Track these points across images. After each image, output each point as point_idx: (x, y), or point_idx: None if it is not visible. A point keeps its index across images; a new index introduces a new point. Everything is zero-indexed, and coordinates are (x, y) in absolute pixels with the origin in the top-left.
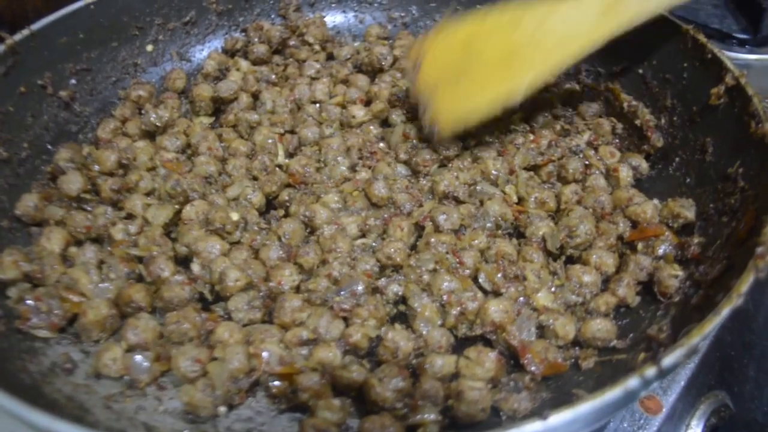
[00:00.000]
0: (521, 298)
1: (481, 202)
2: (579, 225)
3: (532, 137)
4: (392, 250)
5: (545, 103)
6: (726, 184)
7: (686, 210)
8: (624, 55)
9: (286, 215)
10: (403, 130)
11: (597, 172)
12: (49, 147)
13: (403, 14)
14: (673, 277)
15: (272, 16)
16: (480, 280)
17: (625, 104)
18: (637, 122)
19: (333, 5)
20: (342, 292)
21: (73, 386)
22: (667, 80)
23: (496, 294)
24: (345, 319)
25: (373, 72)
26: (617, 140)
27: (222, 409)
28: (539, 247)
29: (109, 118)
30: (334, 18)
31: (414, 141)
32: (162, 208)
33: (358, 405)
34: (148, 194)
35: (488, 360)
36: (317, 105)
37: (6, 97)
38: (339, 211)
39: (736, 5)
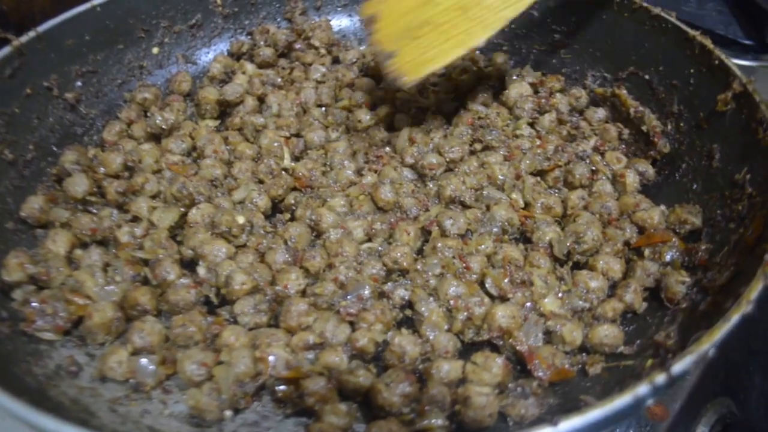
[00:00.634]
0: (528, 304)
1: (488, 207)
2: (586, 231)
3: (538, 142)
4: (399, 254)
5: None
6: (733, 191)
7: (693, 216)
8: (630, 61)
9: (292, 219)
10: (409, 133)
11: (603, 177)
12: (55, 149)
13: None
14: (680, 283)
15: (278, 19)
16: (487, 285)
17: (632, 110)
18: (644, 128)
19: (339, 9)
20: (348, 297)
21: (78, 389)
22: (674, 86)
23: (503, 299)
24: (351, 323)
25: (379, 76)
26: (624, 146)
27: (228, 413)
28: (546, 253)
29: (114, 121)
30: (339, 21)
31: (420, 145)
32: (168, 210)
33: (365, 410)
34: (153, 197)
35: (495, 365)
36: (323, 108)
37: (12, 99)
38: (345, 215)
39: (742, 12)
